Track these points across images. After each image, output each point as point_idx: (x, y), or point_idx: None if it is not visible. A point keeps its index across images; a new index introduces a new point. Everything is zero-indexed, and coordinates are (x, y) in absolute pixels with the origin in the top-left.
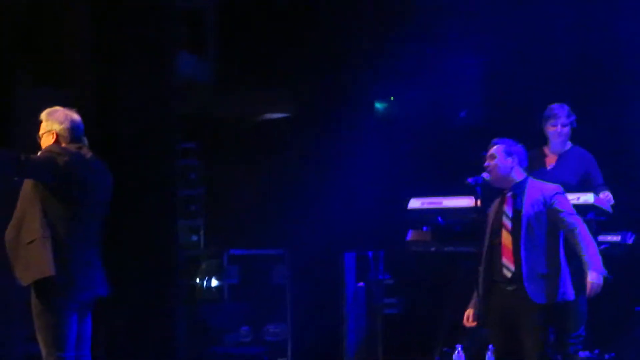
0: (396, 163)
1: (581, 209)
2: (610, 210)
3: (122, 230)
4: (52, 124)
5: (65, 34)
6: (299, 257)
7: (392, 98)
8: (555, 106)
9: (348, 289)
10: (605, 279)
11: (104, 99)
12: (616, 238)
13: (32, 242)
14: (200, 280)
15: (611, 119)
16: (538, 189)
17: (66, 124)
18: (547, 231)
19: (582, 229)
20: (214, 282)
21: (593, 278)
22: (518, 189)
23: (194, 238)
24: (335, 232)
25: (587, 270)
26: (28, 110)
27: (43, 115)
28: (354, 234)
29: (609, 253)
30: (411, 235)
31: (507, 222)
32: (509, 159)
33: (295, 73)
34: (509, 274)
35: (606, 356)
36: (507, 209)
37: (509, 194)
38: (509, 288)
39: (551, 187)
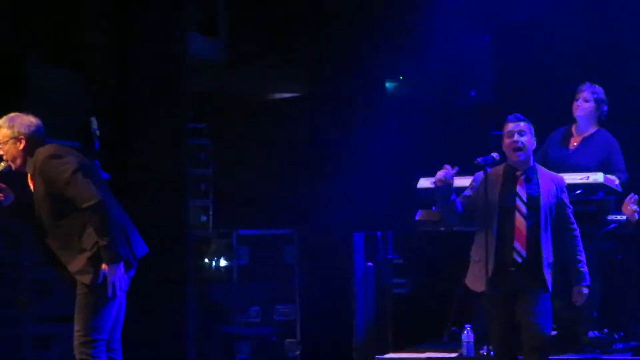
0: (406, 142)
1: (591, 187)
2: (620, 189)
3: (132, 210)
4: (19, 129)
5: (79, 13)
6: (308, 237)
7: (401, 77)
8: (586, 83)
9: (357, 269)
10: (616, 257)
11: (116, 79)
12: (626, 217)
13: (91, 248)
14: (209, 260)
15: (624, 96)
16: (549, 178)
17: (33, 128)
18: (554, 221)
19: (579, 233)
20: (223, 263)
21: (587, 290)
22: (531, 173)
23: (203, 218)
24: (345, 212)
25: (580, 281)
26: (40, 87)
27: (3, 123)
28: (363, 214)
29: (617, 232)
30: (420, 215)
31: (521, 206)
32: (534, 140)
33: (306, 52)
34: (519, 259)
35: (615, 336)
36: (521, 192)
37: (523, 176)
38: (516, 273)
39: (560, 179)
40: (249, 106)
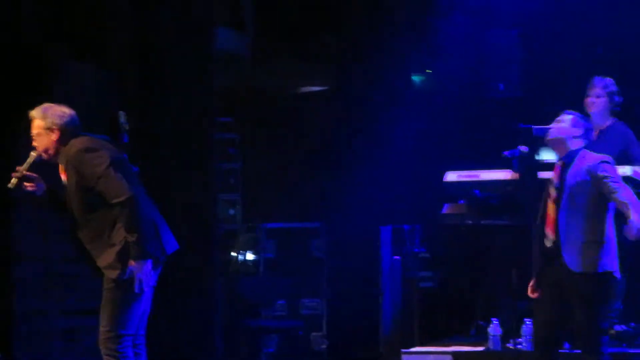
0: (433, 136)
1: None
2: None
3: (162, 204)
4: (52, 120)
5: (106, 10)
6: (336, 231)
7: (428, 71)
8: (595, 78)
9: (384, 262)
10: None
11: (144, 74)
12: None
13: (120, 243)
14: (237, 253)
15: None
16: (585, 159)
17: (66, 118)
18: (591, 199)
19: (624, 190)
20: (251, 256)
21: (636, 219)
22: (568, 159)
23: (231, 212)
24: (372, 206)
25: (628, 214)
26: (68, 83)
27: (37, 114)
28: (390, 207)
29: None
30: (447, 209)
31: (553, 192)
32: (574, 129)
33: (333, 47)
34: (549, 244)
35: None
36: (555, 179)
37: (559, 163)
38: (552, 258)
39: (597, 156)
40: (275, 100)
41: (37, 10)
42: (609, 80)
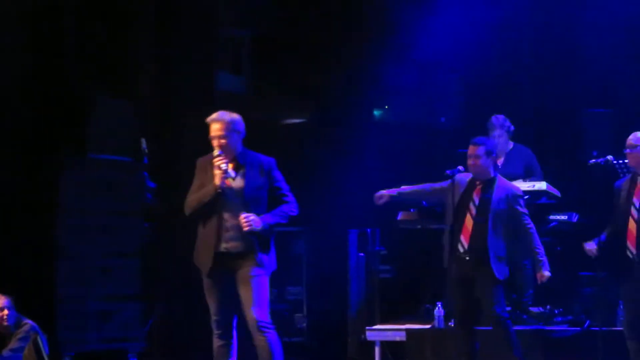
0: (391, 157)
1: (535, 194)
2: (559, 194)
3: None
4: (237, 124)
5: (130, 56)
6: (314, 233)
7: (386, 107)
8: (492, 118)
9: (351, 258)
10: (555, 249)
11: (162, 108)
12: (564, 217)
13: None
14: None
15: (565, 122)
16: (504, 188)
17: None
18: (507, 224)
19: (535, 231)
20: None
21: (546, 273)
22: (489, 183)
23: None
24: (342, 213)
25: (541, 267)
26: (101, 115)
27: (221, 118)
28: (356, 215)
29: (558, 228)
30: (401, 215)
31: (473, 208)
32: (489, 159)
33: (311, 88)
34: (462, 249)
35: (555, 311)
36: (475, 197)
37: (480, 185)
38: (465, 261)
39: (515, 189)
40: (266, 129)
41: (79, 59)
42: (501, 117)
